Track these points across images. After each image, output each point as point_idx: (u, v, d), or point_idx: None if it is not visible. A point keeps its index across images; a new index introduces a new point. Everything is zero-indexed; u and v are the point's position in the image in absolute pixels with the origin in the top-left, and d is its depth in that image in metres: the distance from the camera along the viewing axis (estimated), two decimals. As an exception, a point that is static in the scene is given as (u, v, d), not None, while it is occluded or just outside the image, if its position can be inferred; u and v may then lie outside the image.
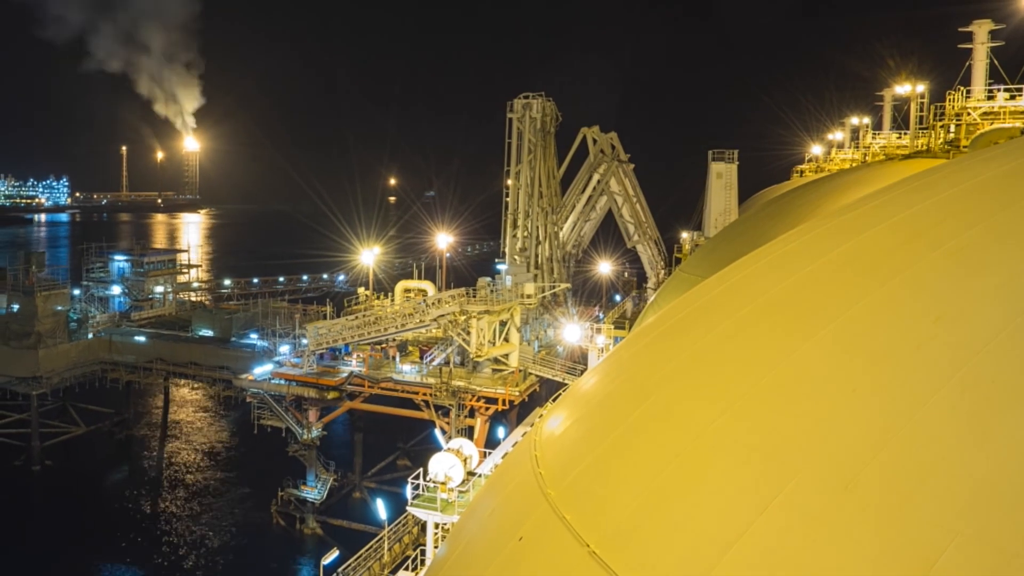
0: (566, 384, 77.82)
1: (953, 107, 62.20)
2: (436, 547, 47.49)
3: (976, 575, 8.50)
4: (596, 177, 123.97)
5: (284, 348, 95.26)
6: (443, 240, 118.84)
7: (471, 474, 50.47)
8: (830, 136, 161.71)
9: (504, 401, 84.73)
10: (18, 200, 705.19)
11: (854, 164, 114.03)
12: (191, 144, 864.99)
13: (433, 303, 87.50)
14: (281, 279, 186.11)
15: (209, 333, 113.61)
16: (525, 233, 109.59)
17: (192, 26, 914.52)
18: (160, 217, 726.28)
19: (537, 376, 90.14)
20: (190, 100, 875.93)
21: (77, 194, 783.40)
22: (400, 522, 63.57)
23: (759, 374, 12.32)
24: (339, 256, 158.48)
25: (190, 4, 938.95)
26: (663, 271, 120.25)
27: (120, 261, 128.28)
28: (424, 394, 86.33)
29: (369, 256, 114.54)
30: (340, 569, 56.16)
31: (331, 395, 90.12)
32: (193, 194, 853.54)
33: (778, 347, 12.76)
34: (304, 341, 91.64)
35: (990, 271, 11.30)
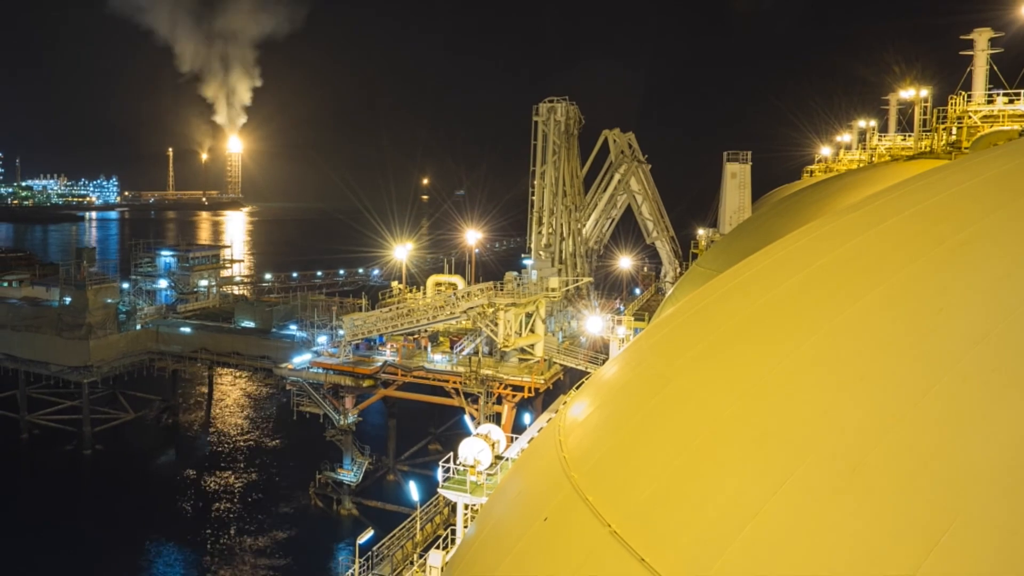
0: (589, 373, 77.72)
1: (955, 111, 61.90)
2: (466, 527, 47.49)
3: (978, 555, 8.53)
4: (617, 176, 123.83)
5: (322, 339, 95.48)
6: (472, 236, 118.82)
7: (499, 458, 50.40)
8: (838, 138, 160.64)
9: (530, 389, 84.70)
10: (70, 199, 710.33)
11: (861, 165, 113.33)
12: (235, 145, 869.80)
13: (463, 296, 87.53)
14: (319, 273, 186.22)
15: (251, 324, 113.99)
16: (550, 230, 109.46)
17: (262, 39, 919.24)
18: (204, 215, 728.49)
19: (561, 365, 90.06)
20: (243, 104, 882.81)
21: (126, 193, 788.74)
22: (431, 503, 63.58)
23: (772, 363, 12.36)
24: (374, 252, 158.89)
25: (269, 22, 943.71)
26: (680, 266, 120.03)
27: (167, 256, 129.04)
28: (454, 382, 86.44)
29: (402, 252, 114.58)
30: (375, 548, 56.27)
31: (366, 383, 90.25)
32: (236, 193, 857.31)
33: (789, 337, 12.80)
34: (341, 332, 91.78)
35: (991, 265, 11.30)
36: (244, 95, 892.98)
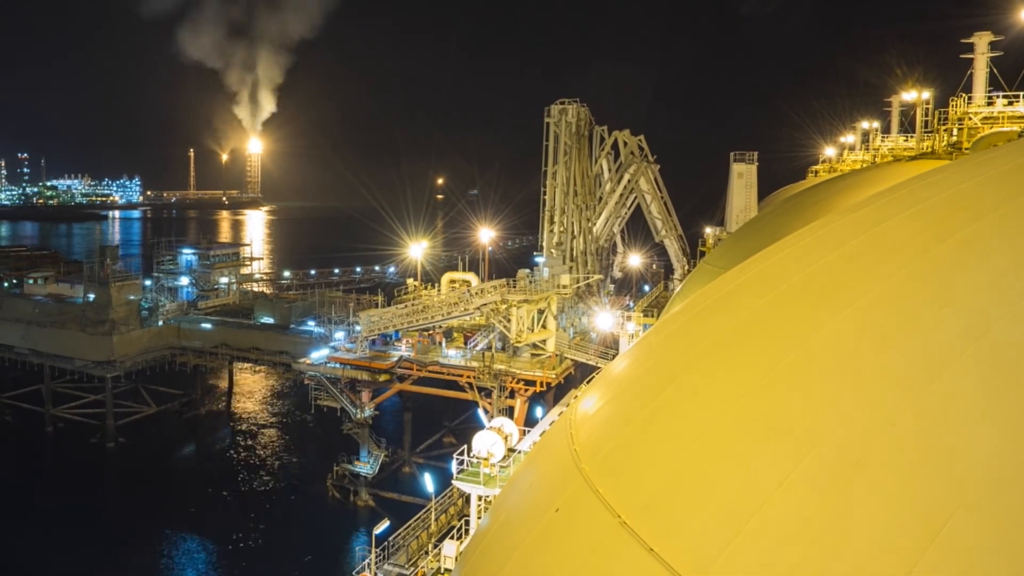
0: (599, 368, 77.69)
1: (956, 112, 61.75)
2: (479, 518, 47.54)
3: (979, 543, 8.55)
4: (627, 177, 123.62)
5: (339, 334, 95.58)
6: (485, 235, 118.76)
7: (511, 450, 50.39)
8: (842, 139, 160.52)
9: (542, 383, 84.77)
10: (94, 198, 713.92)
11: (865, 165, 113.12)
12: (254, 146, 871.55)
13: (476, 293, 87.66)
14: (336, 271, 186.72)
15: (270, 320, 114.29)
16: (561, 228, 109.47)
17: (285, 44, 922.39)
18: (225, 214, 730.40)
19: (572, 360, 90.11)
20: (266, 106, 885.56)
21: (148, 192, 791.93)
22: (446, 495, 63.59)
23: (777, 358, 12.36)
24: (390, 250, 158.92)
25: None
26: (688, 263, 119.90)
27: (188, 254, 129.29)
28: (468, 377, 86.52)
29: (417, 250, 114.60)
30: (390, 538, 56.31)
31: (382, 378, 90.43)
32: (255, 192, 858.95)
33: (795, 333, 12.80)
34: (358, 328, 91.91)
35: (991, 261, 11.30)
36: (265, 98, 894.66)
